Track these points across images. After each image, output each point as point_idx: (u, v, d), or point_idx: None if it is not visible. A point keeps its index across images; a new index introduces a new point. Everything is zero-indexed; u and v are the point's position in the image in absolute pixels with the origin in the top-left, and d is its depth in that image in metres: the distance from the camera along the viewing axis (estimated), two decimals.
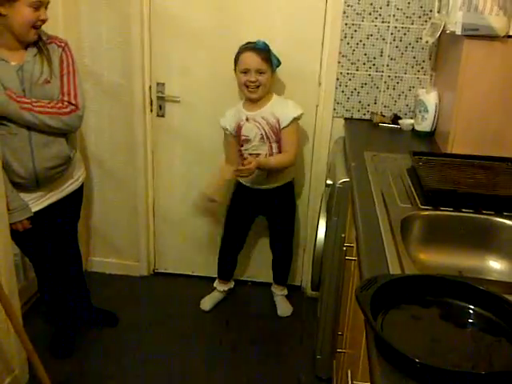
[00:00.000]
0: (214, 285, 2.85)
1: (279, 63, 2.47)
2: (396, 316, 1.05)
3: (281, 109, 2.47)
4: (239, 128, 2.50)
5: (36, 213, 2.13)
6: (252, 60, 2.38)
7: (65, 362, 2.39)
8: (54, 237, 2.30)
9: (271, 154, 2.49)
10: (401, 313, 1.06)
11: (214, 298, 2.84)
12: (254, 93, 2.43)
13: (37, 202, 2.14)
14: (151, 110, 2.79)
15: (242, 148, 2.52)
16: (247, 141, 2.49)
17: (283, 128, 2.46)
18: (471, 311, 1.08)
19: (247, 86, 2.42)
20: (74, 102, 2.06)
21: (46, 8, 1.96)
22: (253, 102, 2.48)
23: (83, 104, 2.11)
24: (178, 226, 3.01)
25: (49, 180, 2.12)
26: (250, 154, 2.49)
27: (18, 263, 2.64)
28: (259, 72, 2.39)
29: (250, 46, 2.40)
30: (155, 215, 3.02)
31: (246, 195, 2.63)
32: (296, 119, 2.47)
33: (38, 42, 2.03)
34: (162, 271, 3.13)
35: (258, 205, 2.66)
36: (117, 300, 2.83)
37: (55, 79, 2.04)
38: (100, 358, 2.45)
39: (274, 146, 2.48)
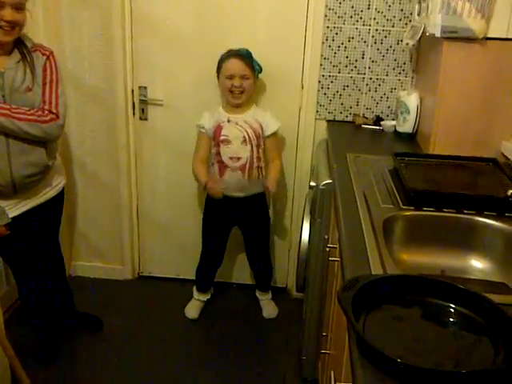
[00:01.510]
0: (194, 295, 2.82)
1: (261, 70, 2.50)
2: (378, 316, 1.06)
3: (265, 117, 2.50)
4: (219, 128, 2.48)
5: (13, 218, 2.11)
6: (236, 65, 2.40)
7: (48, 368, 2.37)
8: (34, 243, 2.28)
9: (252, 161, 2.48)
10: (382, 313, 1.07)
11: (197, 305, 2.81)
12: (239, 98, 2.44)
13: (14, 207, 2.11)
14: (134, 114, 2.78)
15: (221, 151, 2.47)
16: (227, 142, 2.46)
17: (268, 136, 2.50)
18: (452, 310, 1.09)
19: (231, 92, 2.43)
20: (54, 110, 2.04)
21: (15, 9, 1.89)
22: (234, 107, 2.49)
23: (64, 113, 2.08)
24: (162, 230, 3.00)
25: (26, 187, 2.09)
26: (231, 158, 2.47)
27: (1, 269, 2.61)
28: (244, 77, 2.41)
29: (234, 53, 2.42)
30: (139, 218, 3.01)
31: (217, 206, 2.59)
32: (277, 131, 2.54)
33: (21, 48, 2.00)
34: (147, 275, 3.12)
35: (230, 215, 2.63)
36: (101, 304, 2.81)
37: (37, 87, 2.01)
38: (84, 363, 2.43)
39: (256, 150, 2.48)
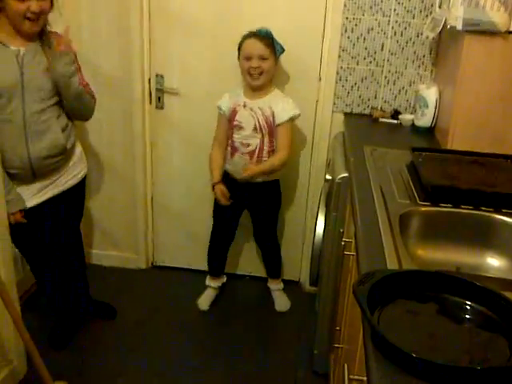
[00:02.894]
0: (206, 282, 2.83)
1: (283, 50, 2.44)
2: (393, 311, 1.05)
3: (279, 104, 2.44)
4: (234, 112, 2.47)
5: (35, 207, 2.13)
6: (254, 46, 2.37)
7: (63, 354, 2.40)
8: (56, 231, 2.30)
9: (262, 149, 2.46)
10: (398, 308, 1.06)
11: (209, 296, 2.82)
12: (257, 80, 2.40)
13: (35, 195, 2.13)
14: (150, 102, 2.79)
15: (234, 135, 2.48)
16: (239, 127, 2.45)
17: (278, 125, 2.44)
18: (468, 307, 1.08)
19: (250, 73, 2.39)
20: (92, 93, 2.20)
21: (39, 0, 1.93)
22: (254, 90, 2.45)
23: None
24: (176, 220, 3.01)
25: (45, 171, 2.11)
26: (242, 144, 2.46)
27: (17, 255, 2.64)
28: (262, 58, 2.37)
29: (253, 33, 2.39)
30: (154, 208, 3.02)
31: (231, 188, 2.58)
32: (292, 119, 2.46)
33: (42, 35, 2.04)
34: (160, 264, 3.13)
35: (242, 198, 2.61)
36: (115, 292, 2.83)
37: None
38: (98, 350, 2.46)
39: (266, 139, 2.46)
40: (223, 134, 2.55)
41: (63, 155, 2.15)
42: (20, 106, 1.98)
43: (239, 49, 2.43)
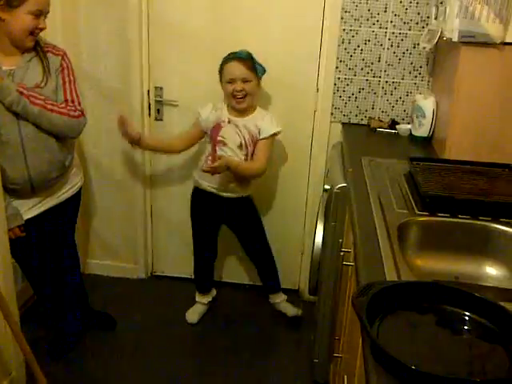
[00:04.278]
0: (196, 298, 2.81)
1: (264, 71, 2.43)
2: (392, 322, 1.06)
3: (264, 119, 2.44)
4: (217, 127, 2.44)
5: (31, 219, 2.14)
6: (236, 69, 2.35)
7: (62, 365, 2.40)
8: (51, 242, 2.30)
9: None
10: (397, 319, 1.07)
11: (198, 310, 2.79)
12: (242, 102, 2.39)
13: (32, 208, 2.14)
14: (149, 114, 2.80)
15: (217, 152, 2.43)
16: (223, 144, 2.43)
17: (261, 139, 2.43)
18: (467, 318, 1.09)
19: (234, 96, 2.38)
20: (79, 108, 2.09)
21: (45, 17, 1.98)
22: (237, 111, 2.45)
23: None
24: (175, 229, 3.02)
25: (44, 186, 2.12)
26: None
27: (16, 266, 2.64)
28: (244, 81, 2.36)
29: (233, 56, 2.37)
30: (153, 218, 3.03)
31: (204, 202, 2.58)
32: (275, 134, 2.46)
33: (35, 47, 2.03)
34: (160, 274, 3.14)
35: (217, 212, 2.60)
36: (114, 303, 2.83)
37: (49, 85, 2.03)
38: (97, 360, 2.46)
39: (250, 155, 2.45)
40: (190, 135, 2.56)
41: (62, 170, 2.15)
42: (15, 124, 1.98)
43: (220, 72, 2.42)
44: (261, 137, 2.43)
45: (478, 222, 1.55)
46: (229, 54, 2.40)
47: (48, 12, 1.99)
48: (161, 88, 2.75)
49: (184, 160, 2.86)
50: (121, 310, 2.77)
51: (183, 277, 3.08)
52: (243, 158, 2.44)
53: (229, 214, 2.61)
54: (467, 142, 2.05)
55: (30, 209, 2.14)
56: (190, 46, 2.66)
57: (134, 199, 2.94)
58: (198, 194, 2.59)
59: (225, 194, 2.51)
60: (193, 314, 2.77)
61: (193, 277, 3.00)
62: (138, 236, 3.01)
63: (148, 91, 2.75)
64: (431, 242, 1.55)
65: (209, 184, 2.50)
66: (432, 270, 1.50)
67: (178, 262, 3.08)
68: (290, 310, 2.77)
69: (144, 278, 3.10)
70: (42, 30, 1.98)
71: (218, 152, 2.44)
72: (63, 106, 2.04)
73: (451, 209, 1.59)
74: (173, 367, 2.43)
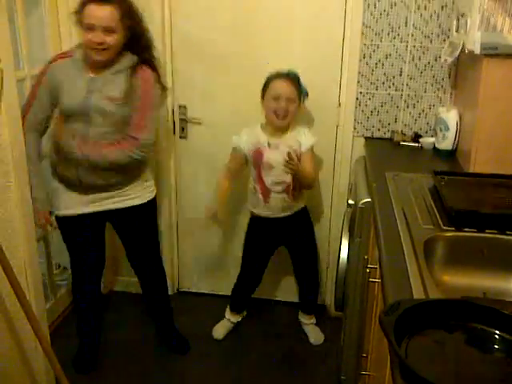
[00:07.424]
0: (226, 315, 2.82)
1: (307, 95, 2.45)
2: (420, 341, 1.05)
3: (302, 134, 2.46)
4: (259, 153, 2.45)
5: (86, 215, 2.24)
6: (284, 87, 2.36)
7: (89, 378, 2.42)
8: (128, 248, 2.48)
9: (295, 183, 2.46)
10: (425, 338, 1.06)
11: (226, 326, 2.80)
12: (283, 121, 2.39)
13: (83, 205, 2.24)
14: (174, 132, 2.84)
15: (265, 177, 2.45)
16: (269, 167, 2.43)
17: (304, 153, 2.45)
18: (496, 336, 1.08)
19: (276, 114, 2.38)
20: (134, 134, 2.14)
21: (105, 32, 2.03)
22: (275, 129, 2.46)
23: (149, 137, 2.18)
24: (201, 246, 3.04)
25: (93, 183, 2.20)
26: (275, 183, 2.45)
27: (46, 282, 2.69)
28: (290, 100, 2.37)
29: (283, 74, 2.39)
30: (179, 235, 3.06)
31: (262, 228, 2.60)
32: (312, 146, 2.48)
33: (121, 64, 2.13)
34: (186, 290, 3.16)
35: (276, 236, 2.62)
36: (142, 319, 2.85)
37: (121, 104, 2.11)
38: (121, 374, 2.47)
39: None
40: (237, 166, 2.57)
41: (113, 172, 2.20)
42: (84, 126, 2.11)
43: (265, 89, 2.41)
44: (302, 150, 2.45)
45: (506, 237, 1.53)
46: (278, 72, 2.41)
47: (109, 27, 2.03)
48: (185, 106, 2.79)
49: (208, 178, 2.88)
50: (147, 327, 2.78)
51: (209, 293, 3.10)
52: (291, 176, 2.43)
53: (288, 232, 2.62)
54: (492, 155, 2.03)
55: (81, 205, 2.22)
56: (213, 65, 2.70)
57: (160, 216, 2.94)
58: (256, 222, 2.61)
59: (282, 214, 2.52)
60: (220, 330, 2.78)
61: (218, 293, 3.02)
62: (164, 253, 3.02)
63: (172, 110, 2.80)
64: (458, 257, 1.54)
65: (263, 211, 2.53)
66: (459, 285, 1.49)
67: (204, 278, 3.11)
68: (314, 337, 2.77)
69: (170, 294, 3.11)
70: (100, 43, 2.04)
71: (266, 177, 2.46)
72: (118, 147, 2.13)
73: (477, 223, 1.57)
74: (200, 383, 2.44)
